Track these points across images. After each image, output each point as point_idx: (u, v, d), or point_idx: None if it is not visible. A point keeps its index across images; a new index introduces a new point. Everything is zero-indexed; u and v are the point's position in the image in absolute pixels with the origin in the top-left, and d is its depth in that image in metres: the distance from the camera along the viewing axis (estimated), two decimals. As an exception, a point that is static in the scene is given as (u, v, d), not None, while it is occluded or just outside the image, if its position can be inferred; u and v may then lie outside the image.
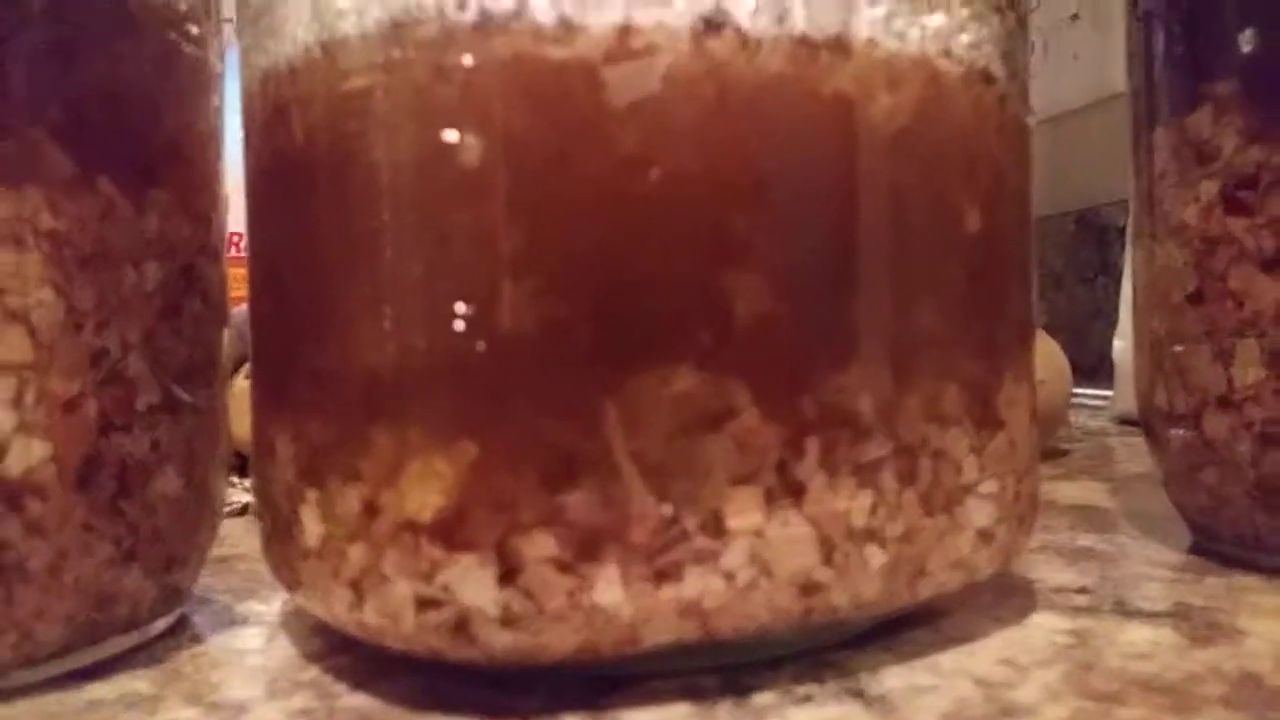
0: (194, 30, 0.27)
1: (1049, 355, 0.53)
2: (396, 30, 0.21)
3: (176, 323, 0.25)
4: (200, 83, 0.27)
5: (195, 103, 0.27)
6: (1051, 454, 0.54)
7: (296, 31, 0.23)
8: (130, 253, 0.24)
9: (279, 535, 0.23)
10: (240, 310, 0.33)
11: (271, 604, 0.29)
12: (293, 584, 0.23)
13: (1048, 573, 0.31)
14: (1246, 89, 0.30)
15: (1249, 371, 0.30)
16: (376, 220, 0.21)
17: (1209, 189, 0.31)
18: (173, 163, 0.26)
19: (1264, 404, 0.29)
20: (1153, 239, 0.34)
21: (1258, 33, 0.30)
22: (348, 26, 0.21)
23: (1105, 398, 0.76)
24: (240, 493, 0.44)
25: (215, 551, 0.33)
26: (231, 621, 0.28)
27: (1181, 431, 0.32)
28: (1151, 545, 0.34)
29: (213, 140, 0.28)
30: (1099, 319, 0.91)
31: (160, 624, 0.26)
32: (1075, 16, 1.05)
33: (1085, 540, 0.35)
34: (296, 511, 0.22)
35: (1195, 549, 0.33)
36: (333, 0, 0.22)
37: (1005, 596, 0.28)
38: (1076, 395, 0.72)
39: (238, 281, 0.28)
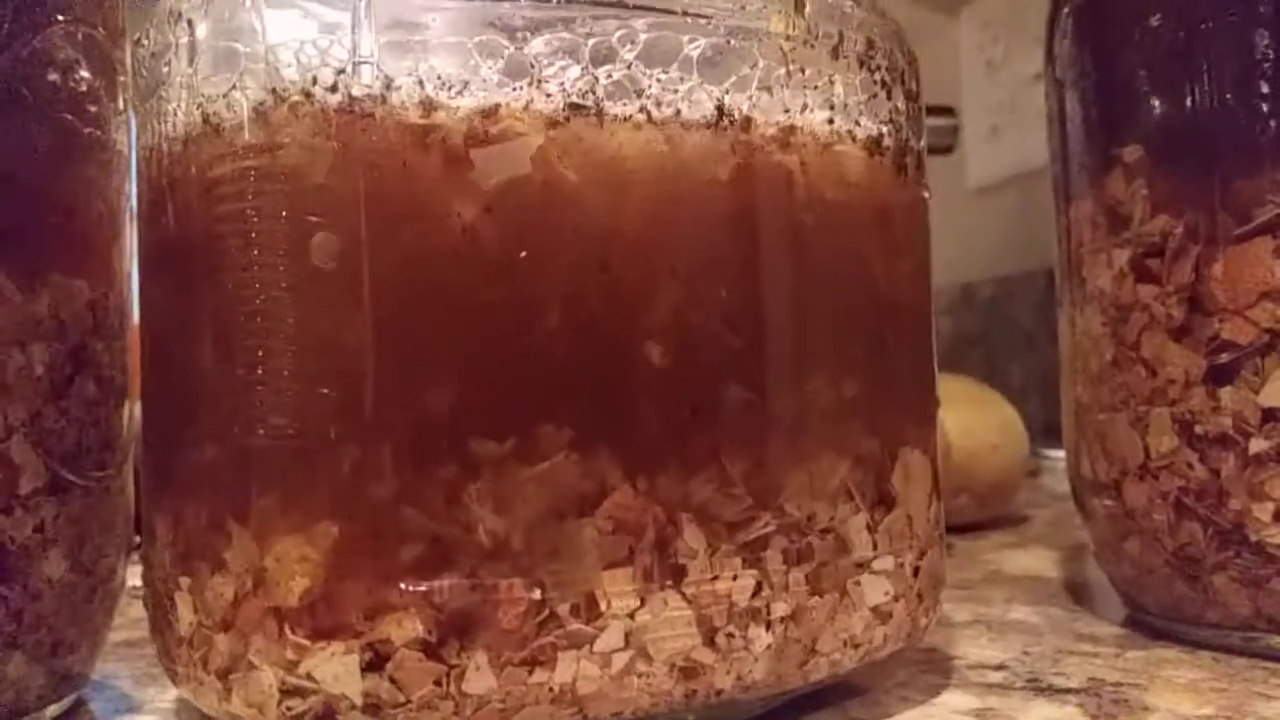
0: (94, 110, 0.27)
1: (1005, 420, 0.53)
2: (265, 114, 0.21)
3: (65, 404, 0.25)
4: (101, 163, 0.27)
5: (94, 183, 0.27)
6: (1010, 520, 0.54)
7: (176, 113, 0.23)
8: (17, 335, 0.24)
9: (159, 623, 0.23)
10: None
11: (170, 691, 0.28)
12: (171, 673, 0.23)
13: (972, 648, 0.30)
14: (1152, 156, 0.30)
15: (1162, 440, 0.29)
16: (244, 306, 0.21)
17: (1121, 256, 0.31)
18: (67, 244, 0.26)
19: (1178, 473, 0.29)
20: (1074, 306, 0.34)
21: (1162, 100, 0.30)
22: (219, 109, 0.21)
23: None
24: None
25: (124, 635, 0.33)
26: (129, 708, 0.27)
27: (1106, 501, 0.32)
28: (1085, 618, 0.33)
29: (113, 220, 0.27)
30: (1071, 380, 0.91)
31: (51, 710, 0.26)
32: (1039, 75, 1.06)
33: (1019, 613, 0.34)
34: (172, 598, 0.22)
35: (1128, 620, 0.32)
36: (205, 83, 0.22)
37: (921, 673, 0.28)
38: (1049, 458, 0.72)
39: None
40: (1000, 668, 0.28)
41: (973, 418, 0.49)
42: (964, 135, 0.84)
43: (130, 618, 0.30)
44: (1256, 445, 0.27)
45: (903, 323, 0.26)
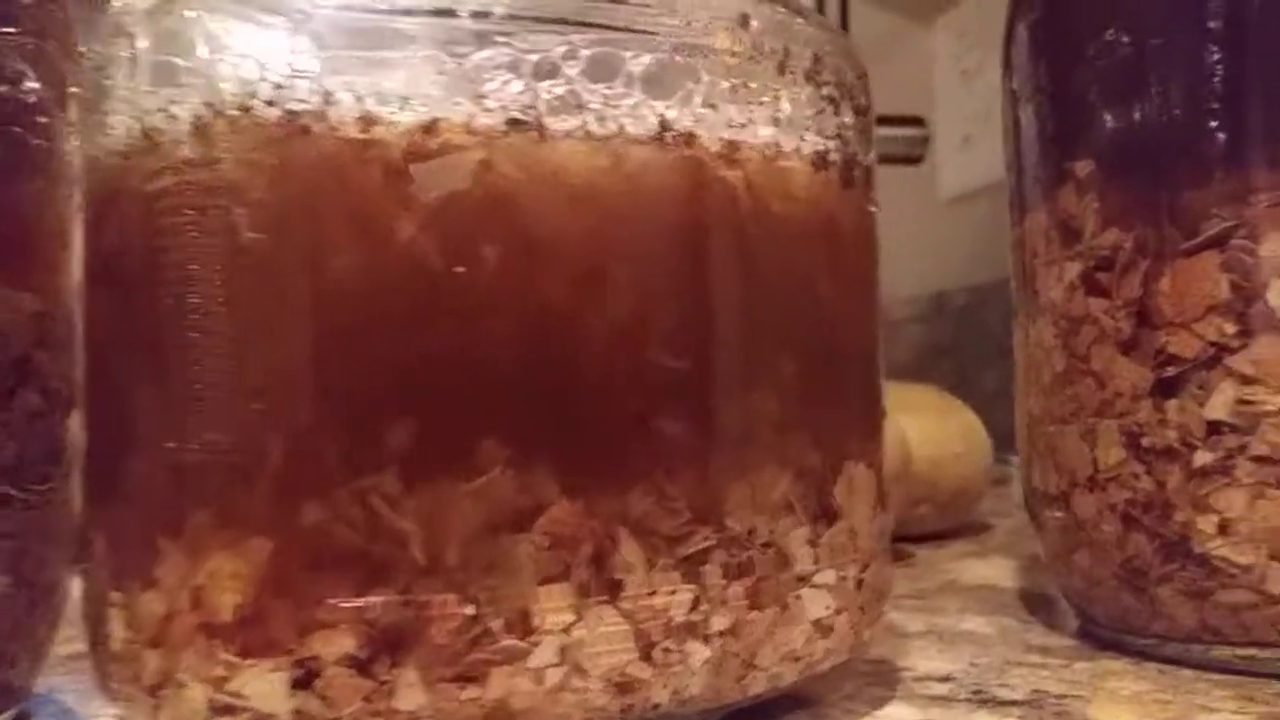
0: (43, 122, 0.27)
1: (968, 428, 0.53)
2: (203, 128, 0.21)
3: (6, 416, 0.25)
4: (50, 175, 0.27)
5: (43, 195, 0.27)
6: (973, 529, 0.54)
7: (117, 126, 0.23)
8: (-43, 347, 0.24)
9: (95, 638, 0.23)
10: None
11: (113, 706, 0.28)
12: (105, 689, 0.23)
13: (921, 659, 0.30)
14: (1104, 170, 0.30)
15: (1110, 453, 0.29)
16: (182, 321, 0.21)
17: (1072, 269, 0.31)
18: (13, 256, 0.26)
19: (1126, 486, 0.29)
20: (1027, 318, 0.34)
21: (1113, 114, 0.30)
22: (158, 123, 0.21)
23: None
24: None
25: (73, 648, 0.32)
26: (72, 722, 0.27)
27: (1056, 513, 0.32)
28: (1037, 629, 0.34)
29: (62, 232, 0.27)
30: (1044, 388, 0.91)
31: (-9, 725, 0.26)
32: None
33: (971, 623, 0.34)
34: (106, 614, 0.22)
35: (1079, 632, 0.33)
36: (145, 96, 0.22)
37: (867, 685, 0.28)
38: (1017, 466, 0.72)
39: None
40: (946, 679, 0.28)
41: (935, 426, 0.50)
42: (937, 145, 0.85)
43: (78, 631, 0.30)
44: (1201, 458, 0.27)
45: (848, 336, 0.26)
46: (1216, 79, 0.28)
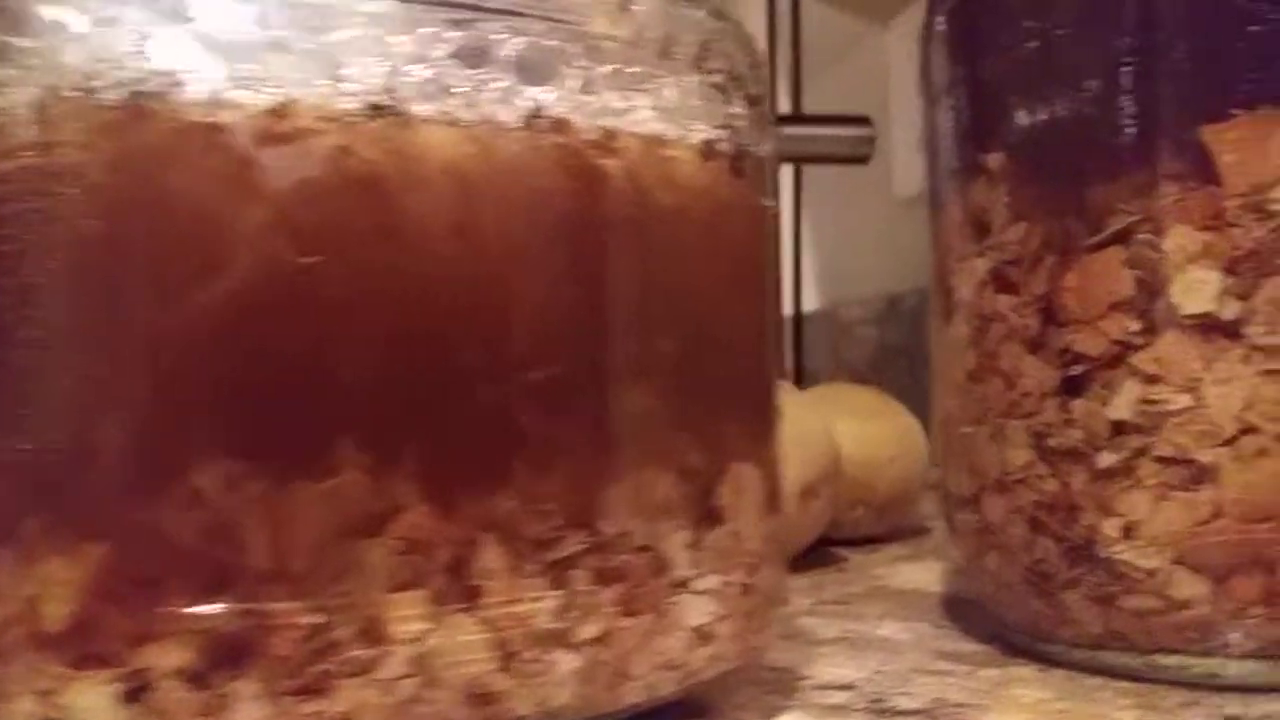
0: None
1: (904, 431, 0.53)
2: (43, 110, 0.20)
3: None
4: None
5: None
6: (910, 533, 0.53)
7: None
8: None
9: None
10: None
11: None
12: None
13: (828, 667, 0.29)
14: (1014, 163, 0.30)
15: (1018, 454, 0.29)
16: (21, 312, 0.20)
17: (983, 266, 0.30)
18: None
19: (1033, 488, 0.28)
20: (943, 316, 0.33)
21: (1025, 107, 0.30)
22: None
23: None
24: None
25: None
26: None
27: (967, 516, 0.31)
28: (953, 635, 0.33)
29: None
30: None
31: None
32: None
33: (888, 629, 0.34)
34: (-58, 622, 0.21)
35: (993, 638, 0.32)
36: (-18, 78, 0.21)
37: (765, 694, 0.27)
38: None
39: None
40: (848, 688, 0.27)
41: (870, 429, 0.49)
42: (892, 146, 0.84)
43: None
44: (1105, 459, 0.27)
45: (737, 333, 0.25)
46: (1124, 70, 0.27)
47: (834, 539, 0.49)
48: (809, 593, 0.39)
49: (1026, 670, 0.28)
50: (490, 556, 0.20)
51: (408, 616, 0.20)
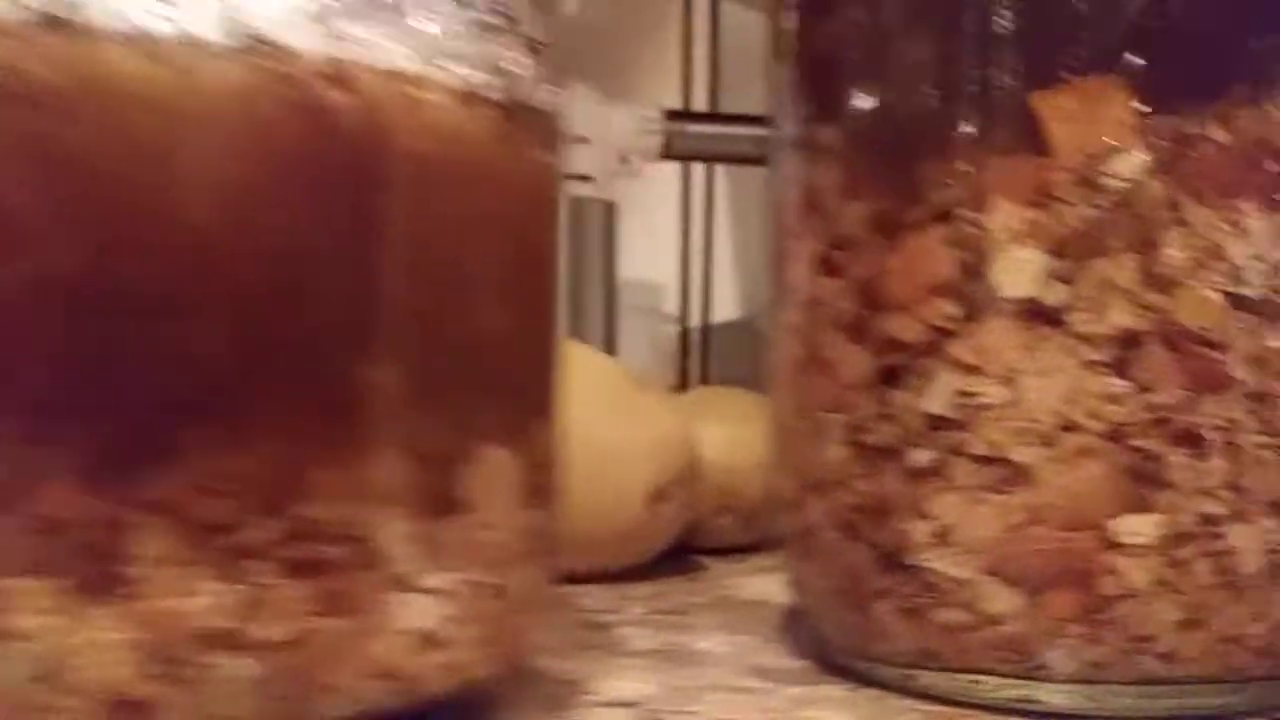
0: None
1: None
2: None
3: None
4: None
5: None
6: (781, 543, 0.50)
7: None
8: None
9: None
10: None
11: None
12: None
13: (623, 682, 0.26)
14: (847, 140, 0.27)
15: (836, 451, 0.26)
16: None
17: (811, 248, 0.28)
18: None
19: (849, 489, 0.26)
20: (776, 303, 0.31)
21: (858, 81, 0.27)
22: None
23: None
24: None
25: None
26: None
27: (792, 519, 0.29)
28: (776, 650, 0.30)
29: None
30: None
31: None
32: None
33: (709, 642, 0.31)
34: None
35: (818, 654, 0.29)
36: None
37: (543, 712, 0.24)
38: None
39: None
40: (632, 705, 0.24)
41: (738, 433, 0.46)
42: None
43: None
44: (918, 457, 0.24)
45: (502, 303, 0.22)
46: (953, 45, 0.25)
47: (698, 547, 0.46)
48: (647, 601, 0.37)
49: (836, 690, 0.26)
50: (145, 541, 0.17)
51: (34, 609, 0.16)
